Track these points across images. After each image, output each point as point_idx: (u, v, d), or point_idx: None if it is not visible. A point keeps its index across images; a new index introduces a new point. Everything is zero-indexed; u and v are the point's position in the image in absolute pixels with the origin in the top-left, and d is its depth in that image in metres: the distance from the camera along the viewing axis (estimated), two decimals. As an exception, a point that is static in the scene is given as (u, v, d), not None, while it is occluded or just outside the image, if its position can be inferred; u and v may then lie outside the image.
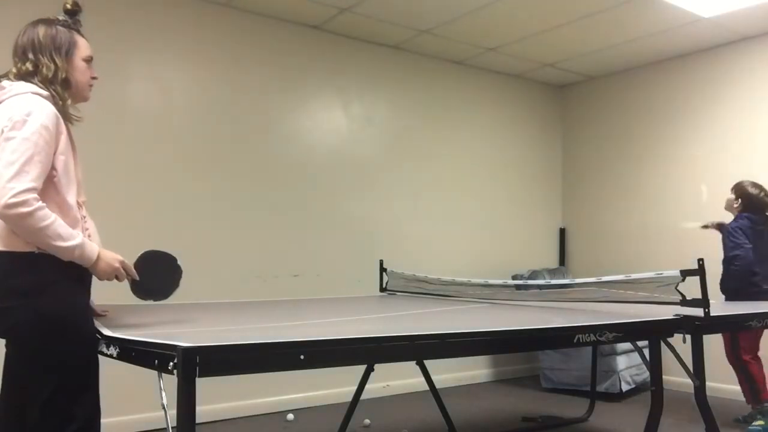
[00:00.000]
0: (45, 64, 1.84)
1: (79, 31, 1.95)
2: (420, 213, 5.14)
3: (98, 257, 1.83)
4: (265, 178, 4.39)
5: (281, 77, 4.50)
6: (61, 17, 1.93)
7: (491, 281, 3.44)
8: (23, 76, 1.84)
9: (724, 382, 4.51)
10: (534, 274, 5.22)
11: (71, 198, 1.84)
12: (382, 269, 3.78)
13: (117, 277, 1.89)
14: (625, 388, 4.58)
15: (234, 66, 4.31)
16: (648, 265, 4.75)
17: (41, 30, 1.87)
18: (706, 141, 5.01)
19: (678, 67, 5.20)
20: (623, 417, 4.13)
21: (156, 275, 1.97)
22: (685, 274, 2.38)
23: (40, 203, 1.69)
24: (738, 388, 3.95)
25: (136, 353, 1.63)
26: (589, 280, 2.87)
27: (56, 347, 1.74)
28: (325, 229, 4.63)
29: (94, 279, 1.92)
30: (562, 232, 6.02)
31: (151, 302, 2.03)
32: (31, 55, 1.85)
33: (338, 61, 4.78)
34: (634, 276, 2.62)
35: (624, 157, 5.57)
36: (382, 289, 3.76)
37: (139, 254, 1.97)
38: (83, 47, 1.93)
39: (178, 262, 2.02)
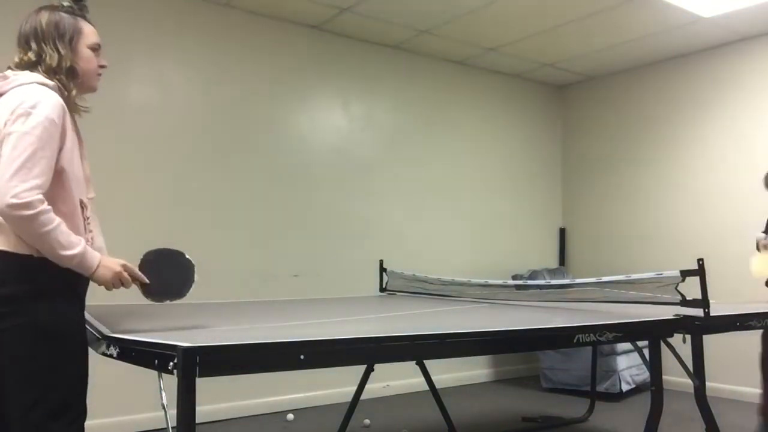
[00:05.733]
0: (48, 53, 1.74)
1: (85, 18, 1.85)
2: (420, 213, 5.14)
3: (98, 265, 1.72)
4: (264, 178, 4.39)
5: (281, 77, 4.50)
6: (66, 3, 1.83)
7: (491, 281, 3.44)
8: (26, 65, 1.75)
9: (724, 382, 4.51)
10: (534, 274, 5.22)
11: (77, 197, 1.75)
12: (382, 269, 3.78)
13: (123, 284, 1.79)
14: (625, 388, 4.58)
15: (234, 66, 4.31)
16: (648, 265, 4.75)
17: (44, 17, 1.77)
18: (707, 140, 5.01)
19: (678, 67, 5.21)
20: (623, 417, 4.13)
21: (166, 274, 1.87)
22: (685, 274, 2.38)
23: (45, 206, 1.60)
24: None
25: (136, 353, 1.63)
26: (589, 281, 2.87)
27: (42, 360, 1.65)
28: (325, 229, 4.63)
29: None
30: (562, 232, 6.02)
31: (156, 303, 1.93)
32: (33, 44, 1.75)
33: (338, 61, 4.78)
34: (634, 276, 2.62)
35: (624, 156, 5.57)
36: (382, 289, 3.76)
37: (142, 255, 1.88)
38: (89, 34, 1.83)
39: (187, 257, 1.93)
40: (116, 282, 1.77)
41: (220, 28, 4.26)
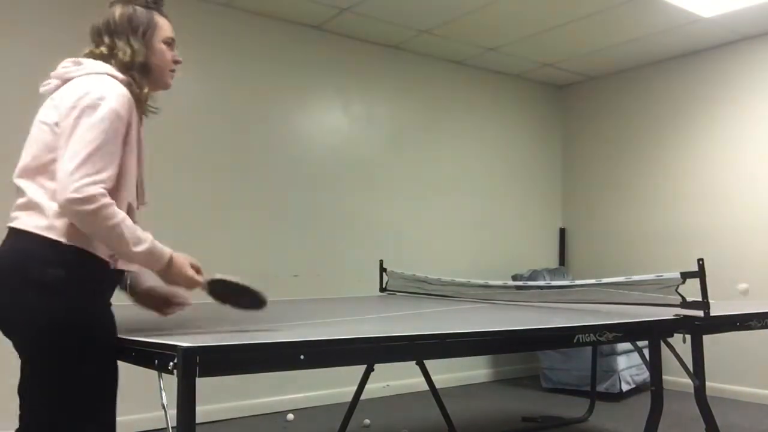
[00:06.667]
0: (121, 48, 1.68)
1: (160, 11, 1.82)
2: (420, 213, 5.14)
3: (170, 262, 1.65)
4: (264, 178, 4.39)
5: (281, 77, 4.50)
6: None
7: (491, 282, 3.44)
8: (98, 59, 1.67)
9: (724, 382, 4.52)
10: (534, 274, 5.22)
11: (125, 198, 1.65)
12: (382, 269, 3.78)
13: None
14: (625, 388, 4.58)
15: (233, 66, 4.31)
16: (648, 265, 4.76)
17: (118, 10, 1.72)
18: (707, 141, 5.01)
19: (678, 67, 5.21)
20: (623, 417, 4.13)
21: (232, 298, 1.85)
22: (686, 276, 2.38)
23: (107, 200, 1.50)
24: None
25: (136, 353, 1.62)
26: (588, 282, 2.87)
27: (66, 359, 1.55)
28: (325, 228, 4.63)
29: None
30: (562, 232, 6.02)
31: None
32: (106, 38, 1.69)
33: (338, 61, 4.78)
34: (634, 278, 2.62)
35: (624, 156, 5.58)
36: (382, 289, 3.76)
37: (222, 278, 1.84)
38: (164, 28, 1.79)
39: (262, 296, 1.83)
40: (189, 288, 1.73)
41: (220, 28, 4.26)
